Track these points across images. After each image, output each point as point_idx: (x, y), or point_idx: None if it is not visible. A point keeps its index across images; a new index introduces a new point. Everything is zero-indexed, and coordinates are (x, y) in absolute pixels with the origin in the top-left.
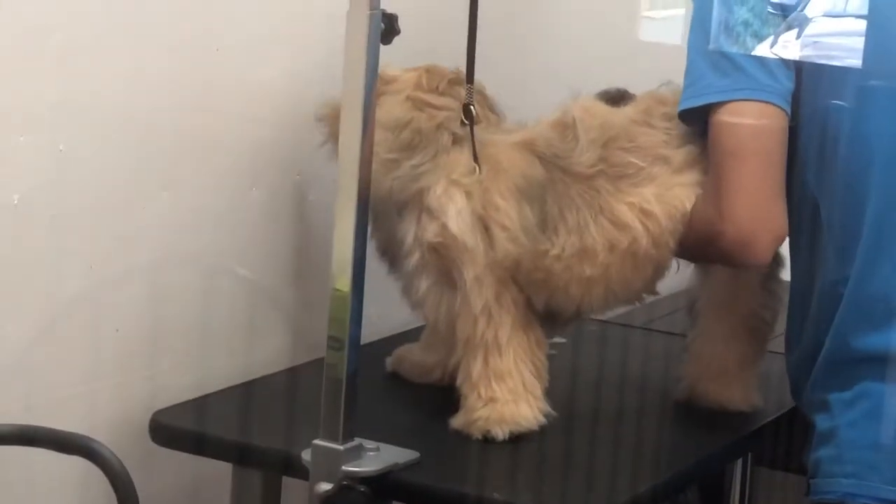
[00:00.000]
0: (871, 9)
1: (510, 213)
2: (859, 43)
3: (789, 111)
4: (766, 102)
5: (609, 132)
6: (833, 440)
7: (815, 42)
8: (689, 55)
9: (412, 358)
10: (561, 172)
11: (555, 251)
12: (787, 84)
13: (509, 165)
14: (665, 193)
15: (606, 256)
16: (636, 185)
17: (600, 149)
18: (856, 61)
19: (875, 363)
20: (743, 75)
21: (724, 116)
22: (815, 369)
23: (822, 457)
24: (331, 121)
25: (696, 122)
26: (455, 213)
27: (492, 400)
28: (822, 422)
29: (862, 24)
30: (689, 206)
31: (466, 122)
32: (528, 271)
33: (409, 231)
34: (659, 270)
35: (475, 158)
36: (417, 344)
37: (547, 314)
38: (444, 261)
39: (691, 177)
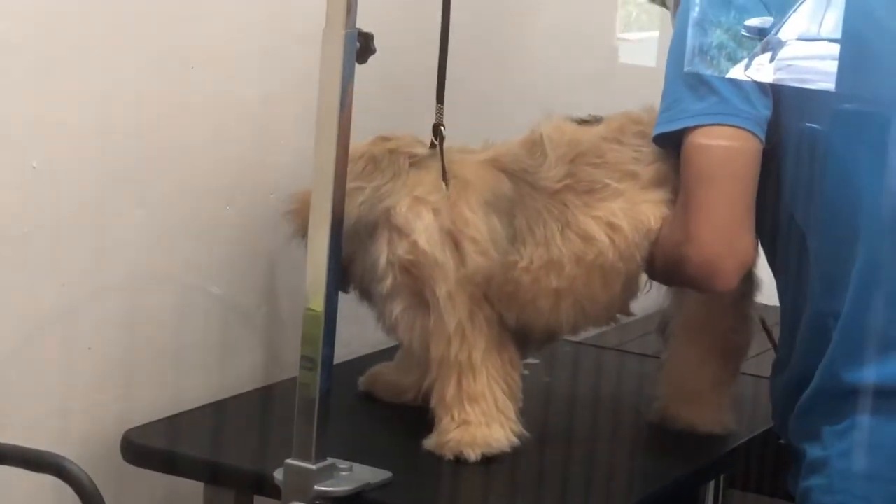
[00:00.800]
0: (844, 33)
1: (479, 226)
2: (832, 66)
3: (763, 137)
4: (739, 128)
5: (577, 148)
6: (824, 470)
7: (789, 65)
8: (667, 79)
9: (386, 378)
10: (529, 187)
11: (523, 263)
12: (764, 111)
13: (477, 180)
14: (632, 208)
15: (573, 269)
16: (603, 199)
17: (568, 164)
18: (829, 84)
19: (867, 396)
20: (719, 100)
21: (697, 139)
22: (803, 398)
23: (813, 486)
24: (300, 214)
25: (671, 147)
26: (423, 229)
27: (465, 422)
28: (812, 451)
29: (835, 48)
30: (654, 222)
31: (436, 141)
32: (498, 284)
33: (380, 253)
34: (628, 287)
35: (444, 176)
36: (391, 364)
37: (519, 333)
38: (416, 281)
39: (659, 194)
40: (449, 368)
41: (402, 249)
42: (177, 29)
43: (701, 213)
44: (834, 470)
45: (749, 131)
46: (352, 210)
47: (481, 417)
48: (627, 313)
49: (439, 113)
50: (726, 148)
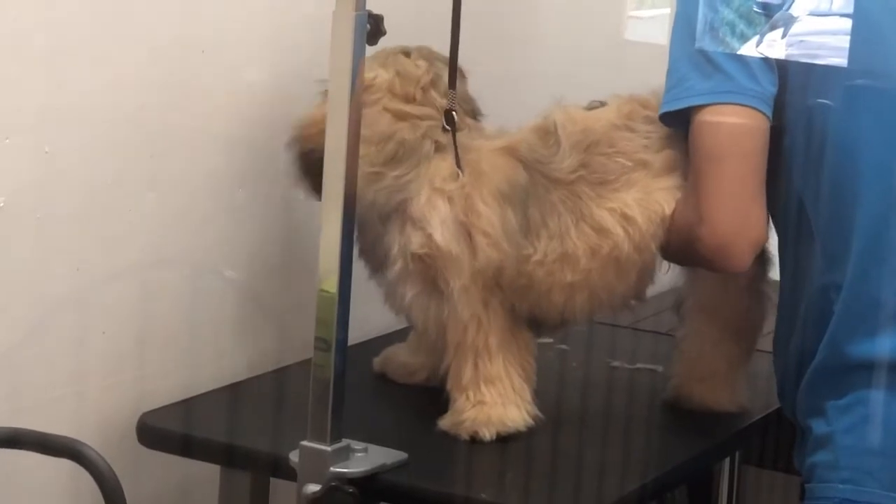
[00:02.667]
0: (856, 7)
1: (492, 219)
2: (845, 42)
3: (770, 115)
4: (747, 106)
5: (590, 137)
6: (829, 445)
7: (801, 41)
8: (672, 57)
9: (399, 359)
10: (542, 177)
11: (537, 256)
12: (770, 88)
13: (492, 170)
14: (645, 198)
15: (588, 262)
16: (616, 190)
17: (581, 154)
18: (841, 60)
19: (870, 370)
20: (725, 78)
21: (705, 119)
22: (808, 374)
23: (818, 462)
24: (301, 141)
25: (678, 125)
26: (439, 223)
27: (480, 402)
28: (817, 427)
29: (847, 23)
30: (668, 210)
31: (448, 127)
32: (511, 278)
33: (393, 242)
34: (643, 276)
35: (458, 164)
36: (404, 345)
37: (531, 321)
38: (429, 270)
39: (671, 181)
40: (465, 352)
41: (416, 243)
42: (187, 13)
43: (712, 194)
44: (839, 446)
45: (756, 109)
46: (366, 193)
47: (497, 398)
48: (642, 300)
49: (451, 98)
50: (735, 126)
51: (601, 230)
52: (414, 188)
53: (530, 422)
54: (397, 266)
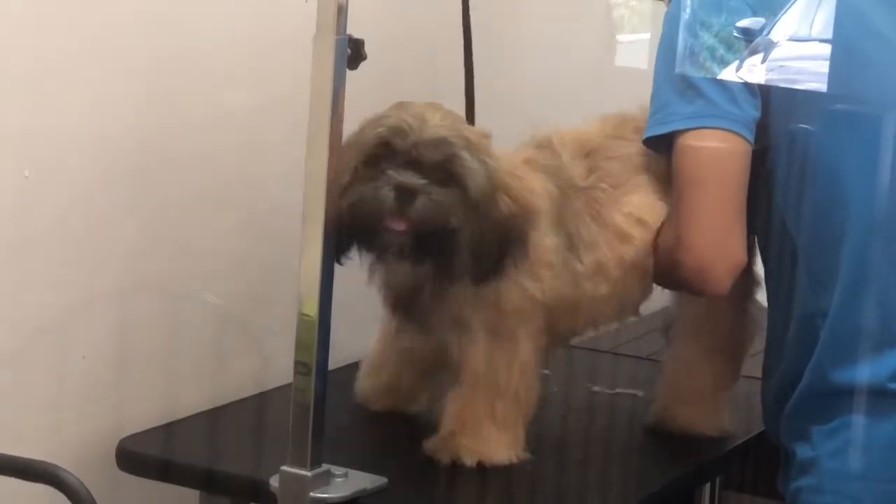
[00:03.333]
0: (835, 33)
1: (549, 248)
2: (824, 67)
3: (752, 139)
4: (728, 130)
5: (588, 146)
6: (813, 470)
7: (781, 66)
8: (656, 82)
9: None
10: (565, 184)
11: (582, 269)
12: (752, 112)
13: (535, 187)
14: (653, 203)
15: (617, 270)
16: (627, 193)
17: (584, 160)
18: (820, 85)
19: (855, 397)
20: (706, 103)
21: (686, 143)
22: (793, 399)
23: (803, 486)
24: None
25: (661, 150)
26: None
27: (479, 438)
28: (802, 451)
29: (826, 48)
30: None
31: None
32: (567, 299)
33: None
34: (650, 283)
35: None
36: (369, 370)
37: (555, 336)
38: (513, 322)
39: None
40: (480, 388)
41: (514, 299)
42: (167, 37)
43: (691, 218)
44: (823, 470)
45: (737, 133)
46: None
47: (499, 440)
48: (636, 314)
49: None
50: (714, 151)
51: (623, 236)
52: None
53: (515, 461)
54: (483, 322)
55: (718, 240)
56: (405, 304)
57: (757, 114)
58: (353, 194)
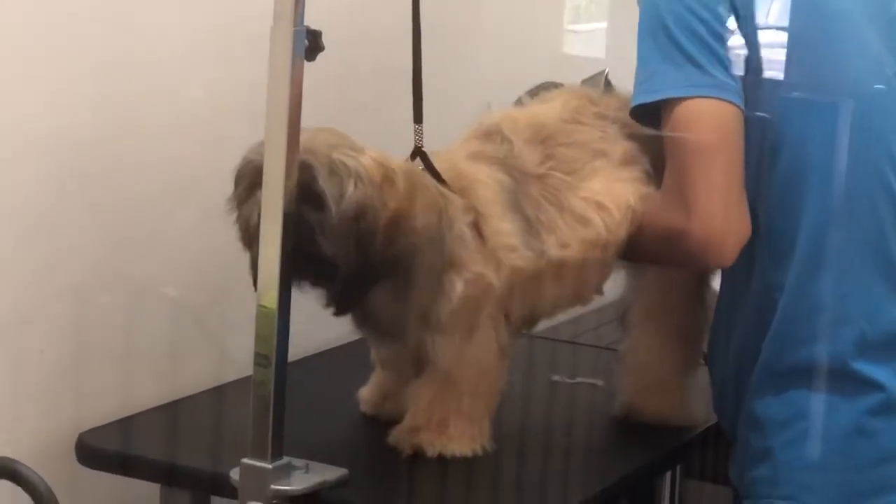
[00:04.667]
0: (794, 21)
1: (509, 228)
2: (781, 55)
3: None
4: (729, 101)
5: (543, 131)
6: (768, 461)
7: (737, 54)
8: (641, 53)
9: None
10: (517, 172)
11: (544, 250)
12: (740, 85)
13: (475, 180)
14: (611, 186)
15: (578, 251)
16: (583, 179)
17: (540, 146)
18: (777, 73)
19: (810, 375)
20: (702, 72)
21: (689, 113)
22: (749, 379)
23: (757, 477)
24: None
25: (647, 120)
26: (478, 257)
27: (444, 434)
28: (755, 441)
29: (783, 36)
30: (633, 200)
31: (423, 163)
32: (527, 281)
33: (436, 294)
34: (612, 264)
35: (442, 182)
36: (376, 382)
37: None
38: (475, 310)
39: (632, 172)
40: (447, 383)
41: (461, 287)
42: (124, 31)
43: (701, 187)
44: (778, 461)
45: (735, 105)
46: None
47: (462, 433)
48: (600, 292)
49: (419, 135)
50: (722, 122)
51: (582, 220)
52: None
53: (479, 453)
54: (444, 316)
55: (729, 210)
56: (364, 319)
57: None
58: (238, 224)
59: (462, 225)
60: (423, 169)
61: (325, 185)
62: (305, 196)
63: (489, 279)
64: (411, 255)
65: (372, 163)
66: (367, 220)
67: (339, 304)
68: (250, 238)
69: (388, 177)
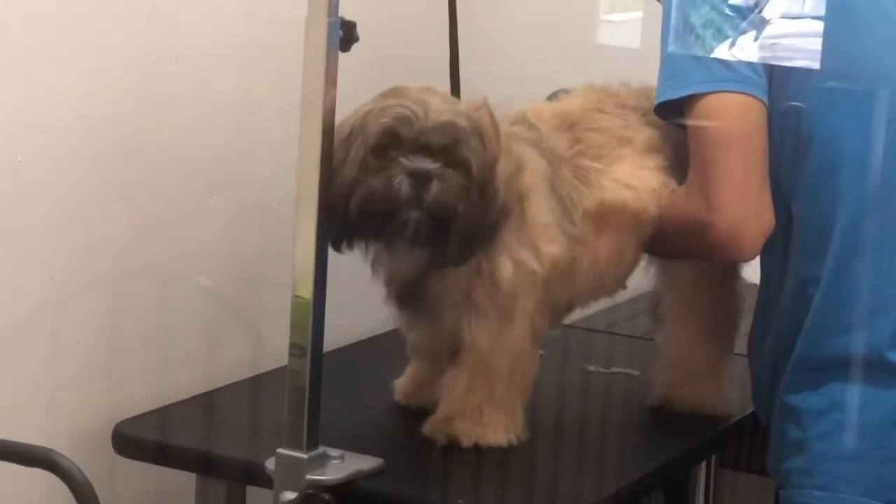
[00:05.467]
0: (828, 10)
1: (544, 210)
2: (817, 44)
3: (768, 106)
4: (750, 95)
5: (568, 118)
6: (804, 452)
7: (773, 44)
8: (664, 51)
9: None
10: (551, 155)
11: (577, 232)
12: (765, 79)
13: (511, 159)
14: (637, 172)
15: (613, 232)
16: (611, 163)
17: (567, 132)
18: (813, 62)
19: (846, 367)
20: (725, 67)
21: (711, 108)
22: (784, 372)
23: (793, 467)
24: None
25: (671, 116)
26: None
27: (478, 423)
28: (792, 432)
29: (819, 26)
30: (657, 185)
31: None
32: (565, 264)
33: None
34: (639, 252)
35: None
36: (411, 373)
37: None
38: (514, 297)
39: (655, 160)
40: (481, 370)
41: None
42: (158, 21)
43: (724, 181)
44: (813, 452)
45: (760, 99)
46: None
47: (496, 422)
48: (623, 286)
49: None
50: (744, 116)
51: (613, 199)
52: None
53: (514, 442)
54: (484, 299)
55: (752, 203)
56: (412, 293)
57: (767, 82)
58: (366, 185)
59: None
60: None
61: (473, 144)
62: (450, 154)
63: (532, 266)
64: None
65: (489, 119)
66: (492, 177)
67: (459, 259)
68: (382, 203)
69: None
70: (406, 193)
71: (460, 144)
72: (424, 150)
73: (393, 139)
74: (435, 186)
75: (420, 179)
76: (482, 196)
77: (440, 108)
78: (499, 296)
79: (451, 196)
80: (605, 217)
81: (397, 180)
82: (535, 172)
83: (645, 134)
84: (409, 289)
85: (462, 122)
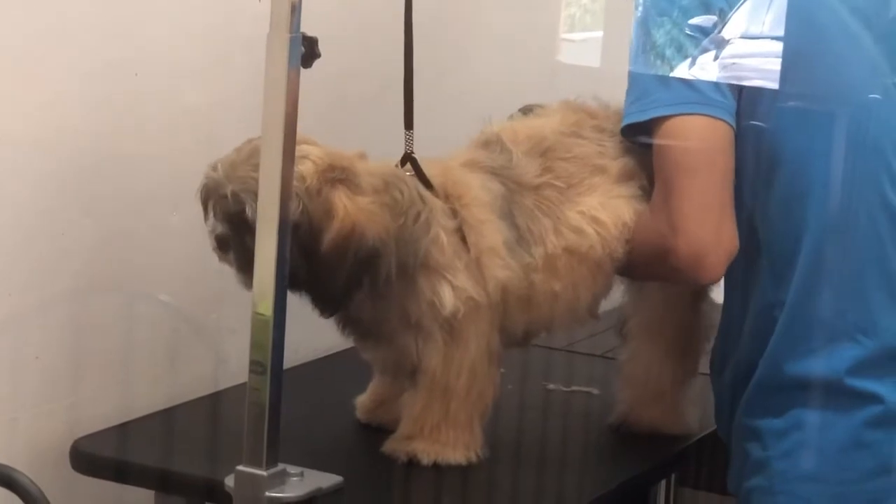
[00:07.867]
0: (792, 30)
1: (495, 235)
2: (776, 64)
3: (734, 127)
4: (716, 118)
5: (543, 143)
6: (765, 471)
7: (733, 63)
8: (632, 72)
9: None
10: (512, 183)
11: (533, 263)
12: (733, 101)
13: (466, 186)
14: (608, 202)
15: (570, 265)
16: (581, 194)
17: (540, 158)
18: (772, 83)
19: (808, 390)
20: (691, 90)
21: (675, 130)
22: (746, 394)
23: (754, 486)
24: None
25: (638, 138)
26: (464, 271)
27: (437, 441)
28: (753, 451)
29: (778, 46)
30: (629, 217)
31: (412, 169)
32: (516, 292)
33: (418, 300)
34: (608, 282)
35: (429, 186)
36: (373, 389)
37: (511, 337)
38: (461, 323)
39: (629, 189)
40: (439, 391)
41: (450, 301)
42: (121, 36)
43: (686, 204)
44: (775, 471)
45: (724, 121)
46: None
47: (455, 441)
48: (596, 316)
49: (409, 140)
50: (707, 138)
51: (577, 231)
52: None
53: (473, 461)
54: (427, 322)
55: (714, 227)
56: (351, 319)
57: (735, 104)
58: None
59: (439, 228)
60: (411, 174)
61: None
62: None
63: (472, 293)
64: (375, 256)
65: (311, 167)
66: (309, 230)
67: (321, 308)
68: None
69: (334, 178)
70: (218, 255)
71: (247, 213)
72: (230, 214)
73: (206, 202)
74: (234, 251)
75: (221, 243)
76: (304, 248)
77: (242, 174)
78: (442, 319)
79: (248, 259)
80: (566, 251)
81: (211, 240)
82: (479, 199)
83: (620, 161)
84: (347, 314)
85: (248, 192)
